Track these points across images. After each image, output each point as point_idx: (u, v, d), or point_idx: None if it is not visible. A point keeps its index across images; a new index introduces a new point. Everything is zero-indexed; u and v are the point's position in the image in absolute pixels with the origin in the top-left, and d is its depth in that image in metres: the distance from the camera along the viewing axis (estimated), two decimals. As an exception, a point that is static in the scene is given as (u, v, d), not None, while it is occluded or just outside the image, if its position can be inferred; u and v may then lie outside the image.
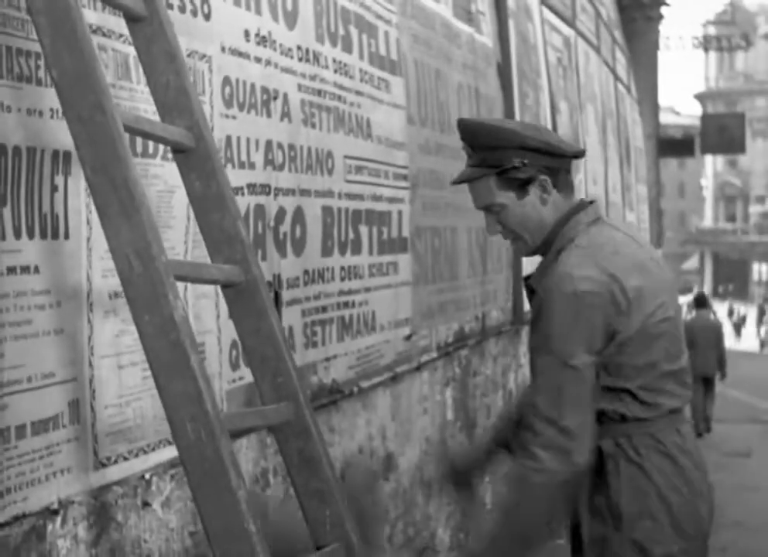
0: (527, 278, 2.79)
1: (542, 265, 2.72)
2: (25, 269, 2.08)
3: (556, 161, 2.67)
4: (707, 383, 13.95)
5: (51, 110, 2.14)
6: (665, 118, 33.36)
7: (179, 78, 2.20)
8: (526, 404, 2.68)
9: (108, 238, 1.94)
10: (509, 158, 2.64)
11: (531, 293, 2.74)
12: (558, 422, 2.50)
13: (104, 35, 2.30)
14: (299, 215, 3.26)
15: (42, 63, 2.11)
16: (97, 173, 1.93)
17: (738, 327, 43.42)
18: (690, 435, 2.79)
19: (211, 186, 2.23)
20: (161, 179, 2.50)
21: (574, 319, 2.53)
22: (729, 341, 22.35)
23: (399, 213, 4.18)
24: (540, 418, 2.52)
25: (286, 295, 3.14)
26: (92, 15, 2.26)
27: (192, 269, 2.20)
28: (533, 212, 2.68)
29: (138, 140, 2.41)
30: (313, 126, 3.39)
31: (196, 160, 2.23)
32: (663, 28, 34.84)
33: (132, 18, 2.17)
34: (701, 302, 14.30)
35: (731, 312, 47.00)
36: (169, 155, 2.51)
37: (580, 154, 2.77)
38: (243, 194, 2.88)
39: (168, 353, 1.93)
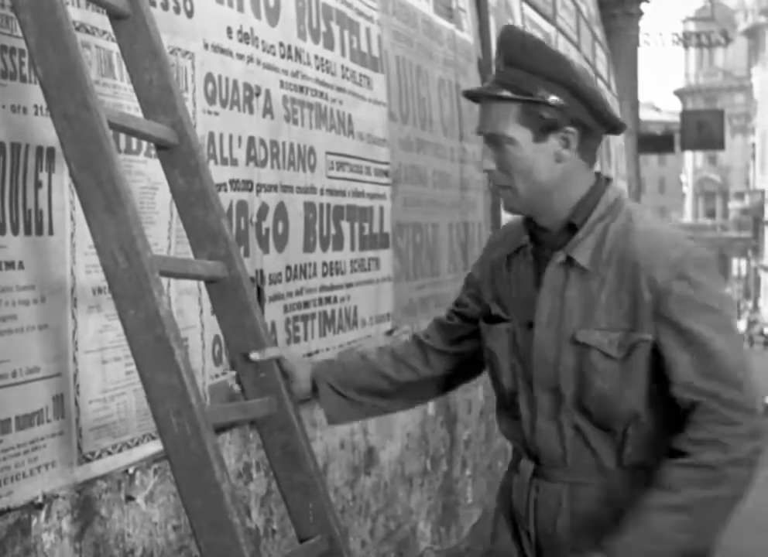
0: (553, 248, 2.31)
1: (589, 234, 2.27)
2: (10, 265, 2.10)
3: (594, 122, 2.28)
4: None
5: (35, 106, 2.15)
6: (645, 115, 33.45)
7: (162, 75, 2.21)
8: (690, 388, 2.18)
9: (93, 234, 1.94)
10: (545, 91, 2.22)
11: (566, 267, 2.28)
12: (757, 408, 2.15)
13: (87, 32, 2.31)
14: (281, 211, 3.27)
15: (26, 59, 2.12)
16: (82, 170, 1.94)
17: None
18: None
19: (195, 183, 2.24)
20: (144, 176, 2.52)
21: (720, 283, 2.26)
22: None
23: (381, 208, 4.20)
24: (736, 408, 2.13)
25: (268, 290, 3.16)
26: (76, 12, 2.27)
27: (176, 265, 2.21)
28: (541, 164, 2.25)
29: (122, 137, 2.42)
30: (296, 122, 3.40)
31: (179, 157, 2.24)
32: (643, 24, 34.95)
33: (115, 16, 2.18)
34: None
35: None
36: (153, 152, 2.53)
37: (620, 127, 2.37)
38: (226, 190, 2.90)
39: (153, 347, 1.94)
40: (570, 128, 2.24)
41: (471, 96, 2.35)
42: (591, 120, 2.26)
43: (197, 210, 2.25)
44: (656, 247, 2.21)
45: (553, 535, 2.31)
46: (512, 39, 2.30)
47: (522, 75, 2.23)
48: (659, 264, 2.19)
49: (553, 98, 2.21)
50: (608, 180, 2.37)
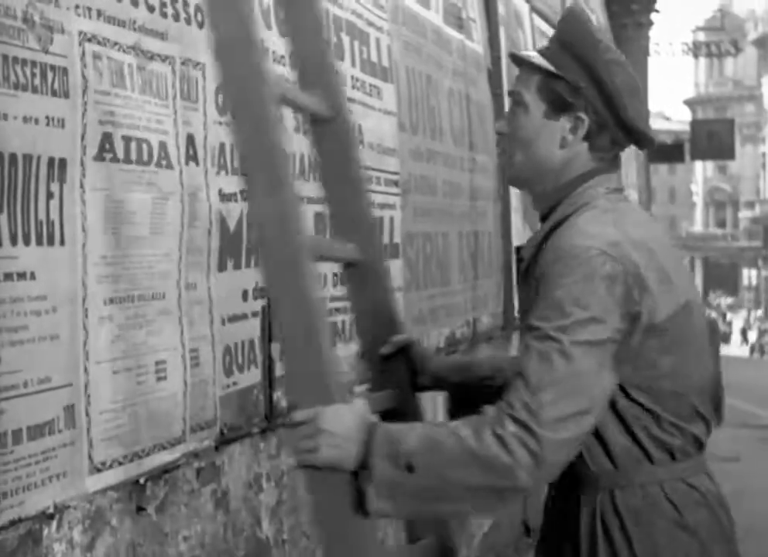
0: (519, 248, 2.29)
1: (542, 229, 2.21)
2: (22, 275, 2.10)
3: (610, 118, 2.18)
4: None
5: (47, 118, 2.15)
6: (655, 124, 33.45)
7: (320, 51, 2.17)
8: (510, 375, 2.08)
9: (251, 206, 1.91)
10: (567, 70, 2.19)
11: (524, 266, 2.23)
12: (543, 411, 1.92)
13: (99, 43, 2.32)
14: (291, 221, 3.26)
15: (38, 70, 2.12)
16: (246, 141, 1.89)
17: (726, 334, 43.55)
18: (715, 478, 2.25)
19: (344, 162, 2.17)
20: (155, 186, 2.52)
21: (589, 282, 1.99)
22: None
23: (391, 219, 4.20)
24: (524, 392, 1.94)
25: (278, 300, 3.16)
26: (86, 24, 2.27)
27: (327, 248, 2.14)
28: (544, 140, 2.20)
29: (133, 146, 2.43)
30: (307, 133, 3.40)
31: (332, 132, 2.17)
32: (653, 34, 34.95)
33: None
34: None
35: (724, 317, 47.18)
36: (164, 162, 2.54)
37: (644, 139, 2.28)
38: (237, 200, 2.90)
39: (298, 331, 1.89)
40: (582, 115, 2.18)
41: (516, 56, 2.32)
42: (607, 115, 2.19)
43: (342, 189, 2.18)
44: (563, 234, 2.11)
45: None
46: (568, 16, 2.31)
47: (558, 50, 2.22)
48: (552, 249, 2.09)
49: (571, 77, 2.18)
50: (605, 173, 2.25)
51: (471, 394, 2.46)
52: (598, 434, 2.09)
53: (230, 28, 1.91)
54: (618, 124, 2.21)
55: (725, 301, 58.58)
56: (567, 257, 2.03)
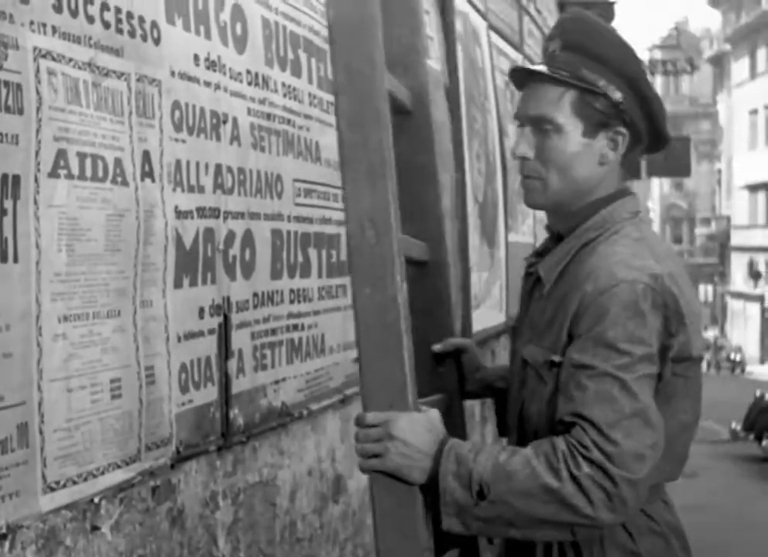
0: (531, 264, 2.24)
1: (563, 251, 2.14)
2: (-26, 293, 2.08)
3: (647, 130, 2.15)
4: None
5: (0, 134, 2.13)
6: (612, 141, 33.64)
7: (411, 34, 2.12)
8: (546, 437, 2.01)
9: (346, 200, 1.84)
10: (606, 83, 2.07)
11: (534, 281, 2.20)
12: (617, 450, 1.91)
13: (53, 59, 2.31)
14: (248, 238, 3.27)
15: (-9, 87, 2.11)
16: (352, 129, 1.85)
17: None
18: (674, 508, 2.28)
19: (420, 156, 2.12)
20: (111, 203, 2.51)
21: (641, 317, 1.96)
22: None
23: (349, 235, 4.19)
24: (593, 433, 1.92)
25: (235, 318, 3.15)
26: (43, 40, 2.26)
27: (411, 249, 2.08)
28: (585, 161, 2.11)
29: (88, 163, 2.42)
30: (263, 150, 3.40)
31: (412, 125, 2.11)
32: (610, 52, 35.09)
33: None
34: None
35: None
36: (119, 179, 2.53)
37: (665, 142, 2.26)
38: (193, 218, 2.89)
39: (381, 334, 1.85)
40: (622, 129, 2.12)
41: (518, 76, 2.17)
42: (645, 127, 2.14)
43: (415, 185, 2.12)
44: (600, 264, 2.05)
45: None
46: (576, 22, 2.14)
47: (582, 61, 2.08)
48: (591, 279, 2.03)
49: (615, 92, 2.07)
50: (629, 195, 2.21)
51: None
52: None
53: (351, 11, 1.85)
54: (651, 133, 2.17)
55: None
56: (613, 292, 1.99)
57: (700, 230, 66.60)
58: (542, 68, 2.13)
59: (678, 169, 23.65)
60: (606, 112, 2.09)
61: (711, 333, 49.99)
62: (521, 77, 2.19)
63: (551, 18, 12.36)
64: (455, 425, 2.23)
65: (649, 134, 2.18)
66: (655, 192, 72.11)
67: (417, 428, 1.95)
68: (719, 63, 57.22)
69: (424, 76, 2.12)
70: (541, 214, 8.95)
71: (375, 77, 1.84)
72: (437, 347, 2.29)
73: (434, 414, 2.01)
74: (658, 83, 69.33)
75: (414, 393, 1.92)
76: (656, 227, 71.41)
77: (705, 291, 63.20)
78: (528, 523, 1.95)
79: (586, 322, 2.00)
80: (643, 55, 55.37)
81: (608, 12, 16.28)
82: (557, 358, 2.07)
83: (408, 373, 1.88)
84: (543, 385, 2.10)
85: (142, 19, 2.68)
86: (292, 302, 3.60)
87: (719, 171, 58.83)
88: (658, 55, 48.02)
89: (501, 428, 2.48)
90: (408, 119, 2.11)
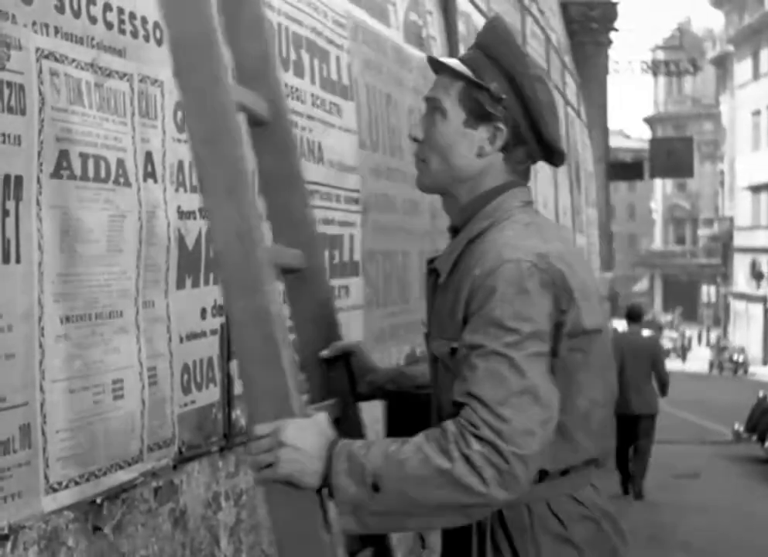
0: (431, 260, 2.31)
1: (456, 243, 2.21)
2: (-23, 294, 2.08)
3: (529, 131, 2.20)
4: (634, 426, 10.57)
5: (3, 134, 2.13)
6: (615, 142, 33.67)
7: (261, 46, 2.11)
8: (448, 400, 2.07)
9: (210, 216, 1.84)
10: (490, 80, 2.19)
11: (435, 278, 2.26)
12: (506, 427, 1.92)
13: (56, 60, 2.31)
14: (251, 239, 3.26)
15: (-6, 88, 2.11)
16: (206, 146, 1.84)
17: (684, 350, 43.84)
18: (605, 491, 2.28)
19: (284, 166, 2.12)
20: (113, 204, 2.51)
21: (526, 295, 2.00)
22: (675, 363, 22.38)
23: (351, 236, 4.20)
24: (483, 411, 1.94)
25: (237, 318, 3.14)
26: (45, 41, 2.26)
27: (282, 257, 2.09)
28: (462, 149, 2.20)
29: (90, 164, 2.42)
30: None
31: (272, 135, 2.12)
32: (613, 52, 35.22)
33: None
34: (633, 316, 11.10)
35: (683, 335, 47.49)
36: (122, 180, 2.52)
37: (558, 154, 2.30)
38: (195, 218, 2.89)
39: (259, 345, 1.85)
40: (501, 125, 2.19)
41: (434, 62, 2.33)
42: (526, 127, 2.20)
43: (282, 194, 2.13)
44: (488, 248, 2.10)
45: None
46: (490, 25, 2.30)
47: (480, 59, 2.22)
48: (480, 264, 2.08)
49: (494, 86, 2.18)
50: (519, 186, 2.26)
51: (408, 403, 2.46)
52: None
53: (189, 30, 1.85)
54: (535, 138, 2.23)
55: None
56: (499, 272, 2.03)
57: (702, 231, 66.58)
58: (442, 58, 2.29)
59: (681, 169, 23.67)
60: (488, 106, 2.18)
61: (713, 334, 49.98)
62: (434, 66, 2.35)
63: (554, 19, 12.37)
64: (352, 428, 2.24)
65: (536, 139, 2.23)
66: (658, 193, 72.11)
67: (306, 433, 1.97)
68: (722, 63, 57.20)
69: (278, 87, 2.13)
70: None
71: (221, 93, 1.84)
72: (324, 353, 2.29)
73: (322, 417, 2.03)
74: (660, 83, 69.35)
75: (299, 399, 1.92)
76: (658, 227, 71.49)
77: (708, 292, 63.18)
78: (424, 510, 1.95)
79: (475, 303, 2.04)
80: (646, 55, 55.33)
81: (611, 12, 16.32)
82: (455, 345, 2.10)
83: (290, 380, 1.88)
84: (450, 375, 2.12)
85: (144, 20, 2.68)
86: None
87: (722, 172, 58.81)
88: (661, 55, 48.03)
89: (391, 431, 2.50)
90: (267, 130, 2.11)
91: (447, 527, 2.11)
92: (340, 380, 2.29)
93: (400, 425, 2.24)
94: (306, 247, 2.14)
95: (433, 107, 2.25)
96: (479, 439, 1.92)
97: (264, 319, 1.85)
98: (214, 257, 1.82)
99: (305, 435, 1.97)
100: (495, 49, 2.23)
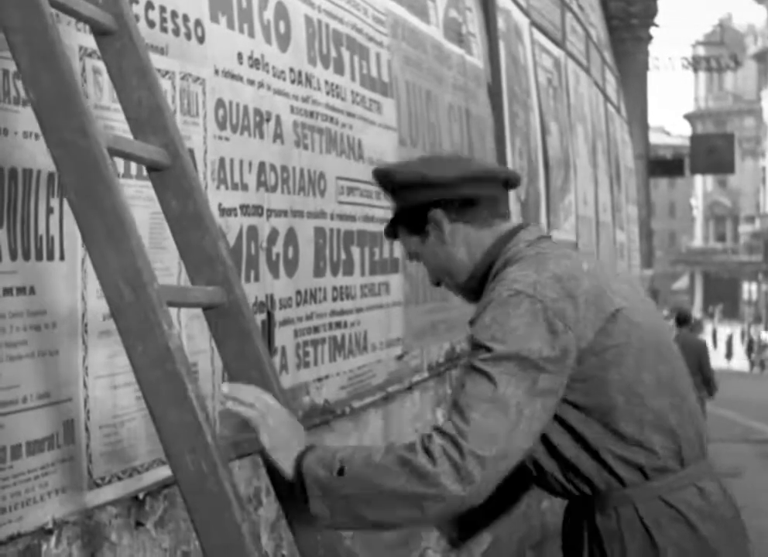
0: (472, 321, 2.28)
1: (482, 302, 2.23)
2: (21, 290, 2.10)
3: (450, 192, 2.29)
4: None
5: (47, 132, 2.15)
6: (655, 138, 33.49)
7: (152, 95, 2.12)
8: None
9: (96, 266, 1.87)
10: (397, 202, 2.38)
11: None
12: (469, 426, 2.01)
13: (99, 58, 2.32)
14: (291, 236, 3.27)
15: (38, 86, 2.12)
16: (82, 199, 1.86)
17: (729, 347, 43.51)
18: (719, 495, 2.24)
19: (188, 206, 2.14)
20: (154, 202, 2.51)
21: (505, 318, 2.10)
22: (719, 361, 22.26)
23: (391, 233, 4.19)
24: (452, 412, 2.06)
25: (278, 315, 3.16)
26: (87, 39, 2.27)
27: (179, 293, 2.14)
28: (441, 254, 2.35)
29: (133, 162, 2.43)
30: (306, 147, 3.41)
31: (171, 178, 2.15)
32: (653, 48, 35.01)
33: (100, 32, 2.11)
34: (682, 320, 11.91)
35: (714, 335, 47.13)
36: (164, 177, 2.53)
37: (512, 180, 2.40)
38: (236, 215, 2.90)
39: (164, 383, 1.87)
40: (431, 213, 2.31)
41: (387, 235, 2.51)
42: (445, 192, 2.30)
43: (192, 234, 2.15)
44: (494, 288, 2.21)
45: None
46: (377, 174, 2.41)
47: (391, 200, 2.40)
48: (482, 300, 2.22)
49: (399, 204, 2.35)
50: (518, 232, 2.34)
51: None
52: (570, 462, 2.21)
53: (51, 83, 1.85)
54: (461, 187, 2.31)
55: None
56: (490, 304, 2.15)
57: (744, 228, 66.18)
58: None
59: (722, 165, 23.53)
60: (411, 218, 2.35)
61: (754, 331, 49.60)
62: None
63: (594, 15, 12.32)
64: None
65: (455, 189, 2.31)
66: (698, 189, 71.70)
67: (288, 417, 2.16)
68: (763, 59, 56.78)
69: (174, 132, 2.15)
70: (582, 212, 8.89)
71: (91, 146, 1.85)
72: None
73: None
74: (701, 79, 68.88)
75: (213, 433, 1.92)
76: (698, 225, 71.03)
77: (749, 289, 62.75)
78: (382, 500, 2.04)
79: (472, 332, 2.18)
80: (686, 51, 54.98)
81: (652, 8, 16.25)
82: None
83: (199, 414, 1.89)
84: None
85: (186, 18, 2.70)
86: (335, 299, 3.60)
87: (763, 168, 58.39)
88: (701, 51, 47.67)
89: None
90: (167, 174, 2.13)
91: (403, 522, 2.14)
92: None
93: None
94: (224, 282, 2.17)
95: (408, 252, 2.44)
96: (442, 433, 2.03)
97: (165, 357, 1.86)
98: (108, 304, 1.84)
99: (289, 420, 2.16)
100: (383, 184, 2.39)
